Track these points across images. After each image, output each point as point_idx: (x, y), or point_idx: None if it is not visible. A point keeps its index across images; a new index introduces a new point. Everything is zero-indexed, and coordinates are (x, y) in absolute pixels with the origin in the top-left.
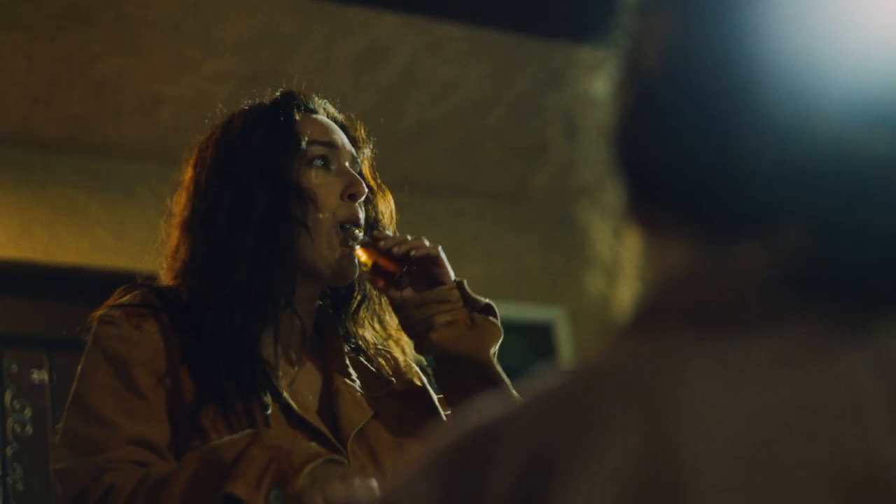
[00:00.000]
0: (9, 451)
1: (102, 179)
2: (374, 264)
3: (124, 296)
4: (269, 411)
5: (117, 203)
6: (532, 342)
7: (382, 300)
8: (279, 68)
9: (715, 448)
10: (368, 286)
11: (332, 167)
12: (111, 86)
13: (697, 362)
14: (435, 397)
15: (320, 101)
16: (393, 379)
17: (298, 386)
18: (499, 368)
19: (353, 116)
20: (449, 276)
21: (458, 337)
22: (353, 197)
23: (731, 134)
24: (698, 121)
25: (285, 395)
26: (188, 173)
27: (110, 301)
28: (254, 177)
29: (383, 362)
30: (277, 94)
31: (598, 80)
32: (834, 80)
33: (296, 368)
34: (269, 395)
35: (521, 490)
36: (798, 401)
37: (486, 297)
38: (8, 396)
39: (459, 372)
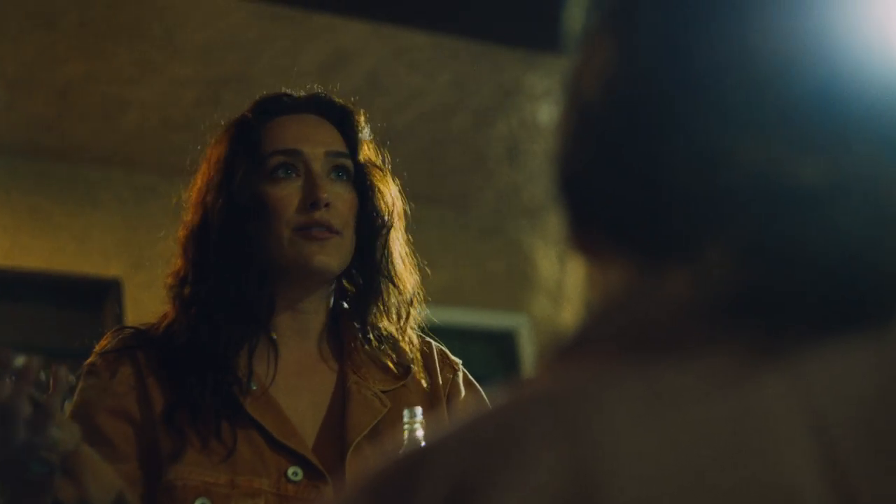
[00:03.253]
0: None
1: (66, 184)
2: None
3: (110, 341)
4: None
5: (81, 208)
6: (496, 349)
7: (387, 293)
8: (244, 73)
9: (634, 480)
10: (370, 278)
11: (300, 173)
12: (75, 89)
13: (621, 391)
14: (439, 396)
15: (307, 95)
16: (413, 366)
17: (297, 396)
18: None
19: (350, 101)
20: None
21: None
22: (315, 205)
23: (656, 160)
24: (629, 147)
25: (259, 419)
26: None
27: (97, 348)
28: (216, 198)
29: (400, 352)
30: (255, 99)
31: (543, 106)
32: (762, 107)
33: (297, 378)
34: (244, 417)
35: None
36: (716, 432)
37: (452, 305)
38: None
39: None
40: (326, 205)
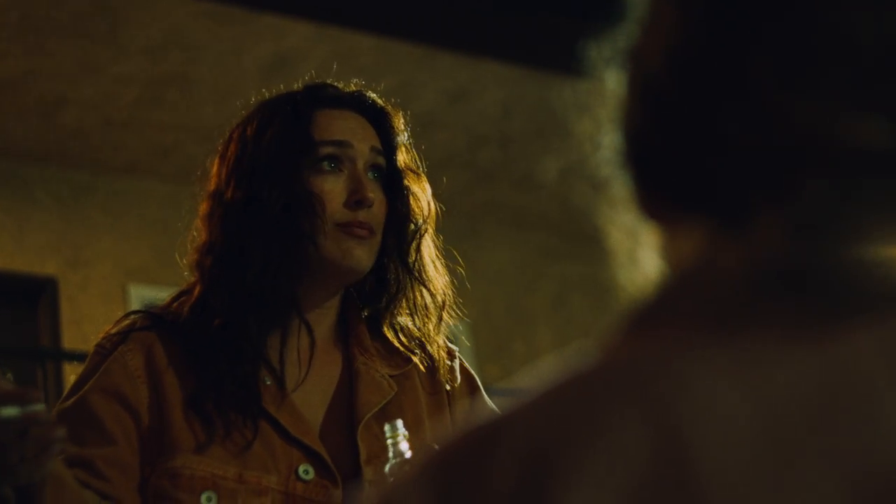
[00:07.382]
0: None
1: (2, 181)
2: None
3: (119, 324)
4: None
5: (17, 205)
6: None
7: (419, 295)
8: (187, 72)
9: (723, 444)
10: (399, 279)
11: (344, 168)
12: (15, 86)
13: (703, 358)
14: (453, 388)
15: (351, 91)
16: (414, 353)
17: (309, 388)
18: None
19: (391, 103)
20: None
21: None
22: (359, 203)
23: (716, 123)
24: (691, 110)
25: (275, 414)
26: (213, 165)
27: (108, 328)
28: (264, 180)
29: (407, 340)
30: (300, 84)
31: (487, 113)
32: (824, 67)
33: (309, 369)
34: (260, 411)
35: (522, 488)
36: (807, 394)
37: None
38: None
39: None
40: (370, 205)
